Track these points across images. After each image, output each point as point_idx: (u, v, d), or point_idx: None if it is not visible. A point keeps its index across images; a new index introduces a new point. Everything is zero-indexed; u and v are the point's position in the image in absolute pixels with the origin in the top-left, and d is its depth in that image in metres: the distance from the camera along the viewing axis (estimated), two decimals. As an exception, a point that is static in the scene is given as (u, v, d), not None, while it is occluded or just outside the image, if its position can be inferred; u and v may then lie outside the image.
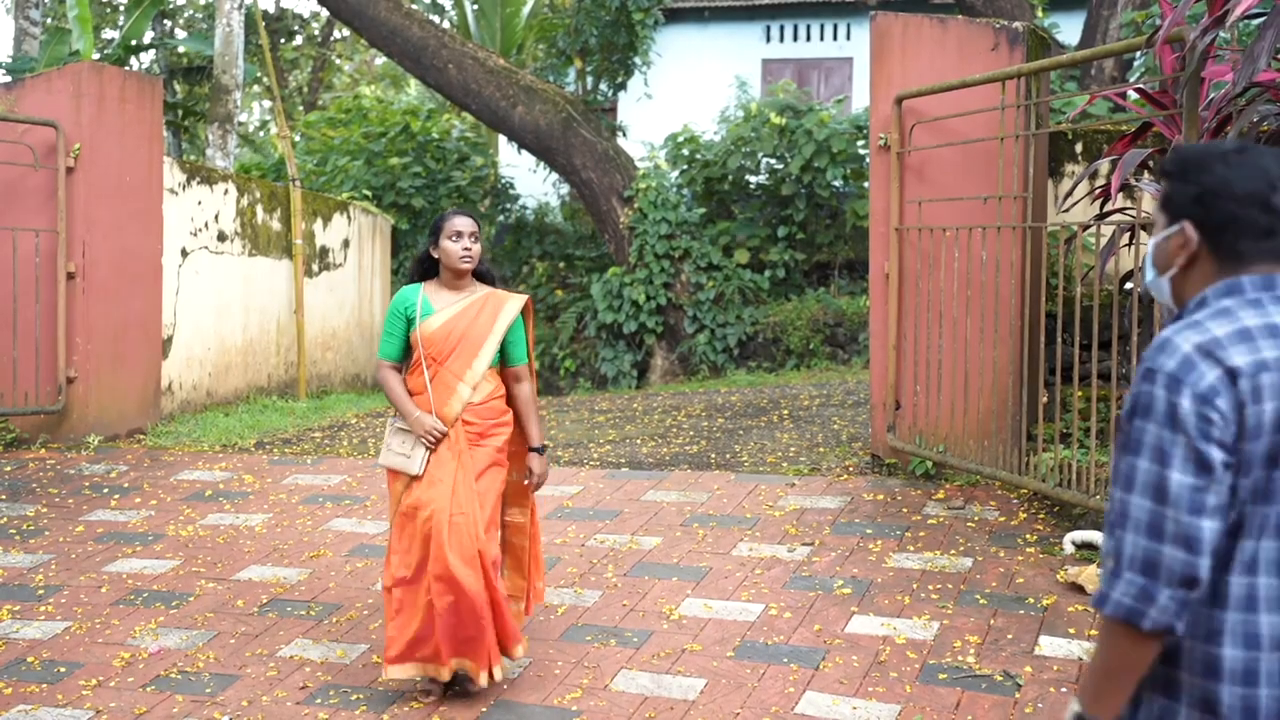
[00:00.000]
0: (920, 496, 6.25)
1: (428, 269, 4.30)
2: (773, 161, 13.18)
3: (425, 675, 4.13)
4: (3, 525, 6.31)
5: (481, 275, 4.31)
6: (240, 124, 17.57)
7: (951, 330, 6.30)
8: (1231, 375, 1.74)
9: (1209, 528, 1.72)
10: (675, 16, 17.49)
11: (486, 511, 4.11)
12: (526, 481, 4.35)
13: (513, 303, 4.25)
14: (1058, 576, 5.10)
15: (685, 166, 13.64)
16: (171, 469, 7.40)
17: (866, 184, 12.14)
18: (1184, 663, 1.80)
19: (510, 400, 4.32)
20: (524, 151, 13.96)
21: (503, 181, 15.96)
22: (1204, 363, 1.75)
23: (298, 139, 17.20)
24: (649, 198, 12.48)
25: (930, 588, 5.03)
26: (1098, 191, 5.78)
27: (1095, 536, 5.36)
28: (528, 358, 4.34)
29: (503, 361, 4.29)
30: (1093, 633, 4.54)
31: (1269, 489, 1.76)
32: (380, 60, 26.62)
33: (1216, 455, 1.72)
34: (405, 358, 4.26)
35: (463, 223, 4.16)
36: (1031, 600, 4.87)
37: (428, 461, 4.08)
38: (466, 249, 4.15)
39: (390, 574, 4.12)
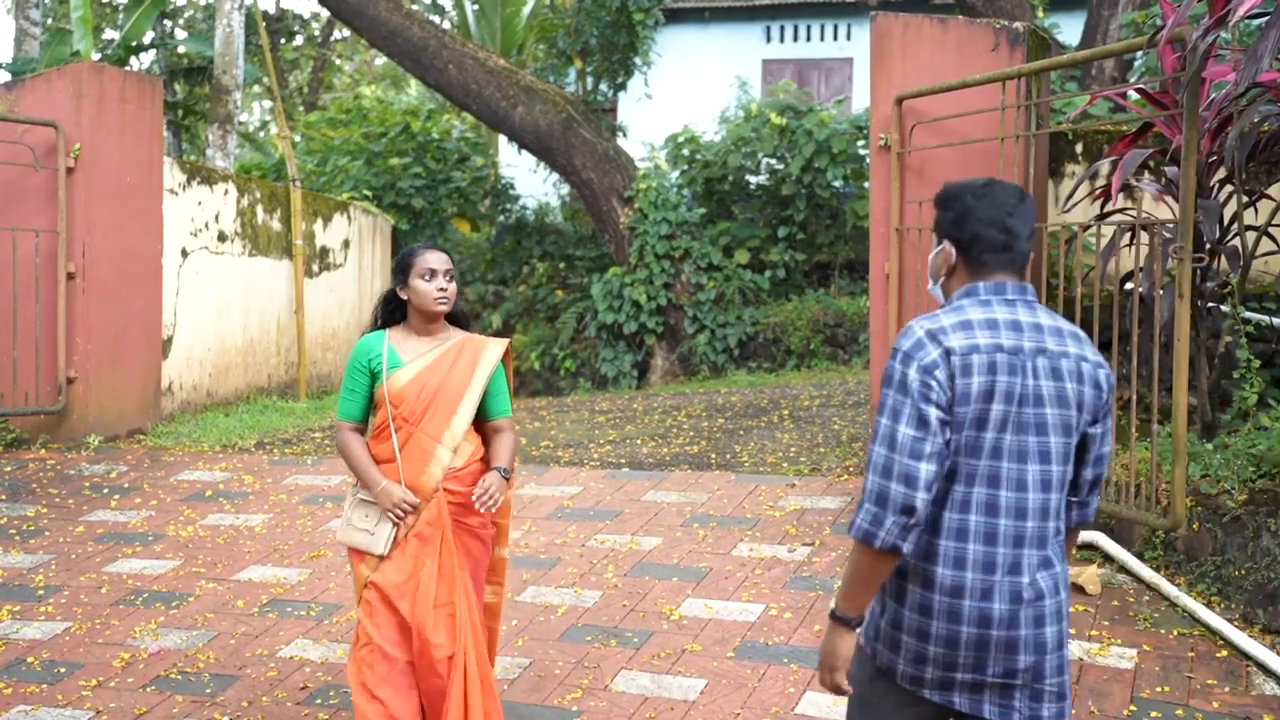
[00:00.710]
0: (920, 497, 6.24)
1: (393, 312, 3.69)
2: (773, 162, 13.17)
3: None
4: (3, 525, 6.31)
5: (454, 318, 3.73)
6: (240, 124, 17.57)
7: (952, 330, 6.29)
8: (948, 354, 2.26)
9: (925, 469, 2.22)
10: (675, 17, 17.48)
11: (478, 604, 3.62)
12: (475, 496, 3.50)
13: (492, 348, 3.67)
14: (1058, 577, 5.10)
15: (685, 167, 13.64)
16: (171, 469, 7.40)
17: (867, 184, 12.15)
18: (911, 578, 2.34)
19: (486, 445, 3.70)
20: (524, 152, 13.96)
21: (503, 182, 15.95)
22: (930, 344, 2.28)
23: (298, 139, 17.19)
24: (649, 198, 12.48)
25: (931, 588, 5.03)
26: (1098, 192, 5.77)
27: (1096, 537, 5.36)
28: (510, 409, 3.75)
29: (479, 415, 3.67)
30: (1093, 633, 4.56)
31: (976, 445, 2.28)
32: (380, 60, 26.62)
33: (934, 414, 2.24)
34: (368, 418, 3.66)
35: (436, 259, 3.56)
36: (1032, 601, 4.86)
37: (395, 540, 3.50)
38: (442, 289, 3.55)
39: (359, 667, 3.49)
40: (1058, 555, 2.35)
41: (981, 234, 2.37)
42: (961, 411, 2.26)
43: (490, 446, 3.68)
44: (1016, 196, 2.39)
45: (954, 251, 2.41)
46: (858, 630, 2.35)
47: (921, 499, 2.22)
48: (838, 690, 2.37)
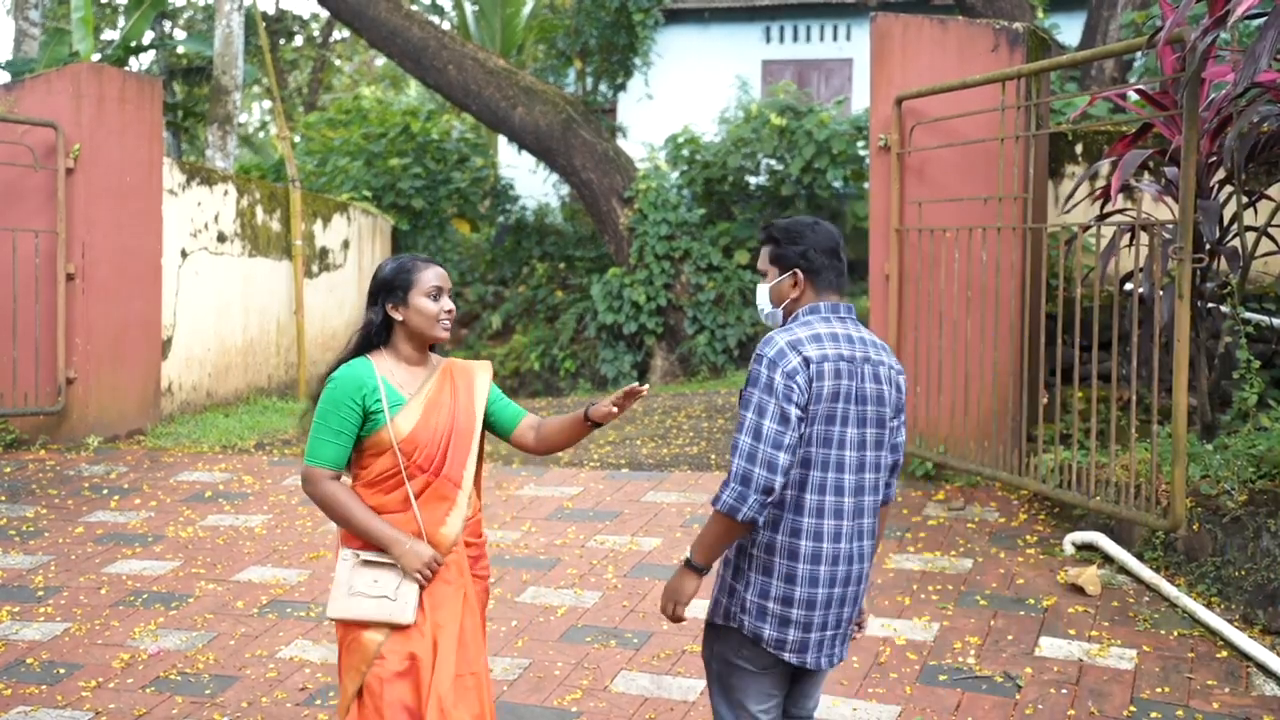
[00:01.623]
0: (921, 497, 6.24)
1: (374, 336, 3.10)
2: (773, 162, 13.16)
3: None
4: (2, 526, 6.30)
5: None
6: (240, 125, 17.56)
7: (952, 331, 6.30)
8: (806, 362, 2.70)
9: (784, 458, 2.66)
10: (675, 17, 17.47)
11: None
12: (615, 403, 3.03)
13: (482, 374, 3.19)
14: (1058, 578, 5.10)
15: (685, 167, 13.63)
16: (171, 470, 7.40)
17: (867, 185, 12.13)
18: (778, 552, 2.76)
19: (547, 433, 3.20)
20: (524, 152, 13.95)
21: (503, 182, 15.94)
22: (791, 353, 2.70)
23: (297, 140, 17.19)
24: (649, 198, 12.48)
25: (930, 589, 5.03)
26: (1098, 192, 5.77)
27: (1096, 538, 5.35)
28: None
29: (500, 429, 3.22)
30: (1093, 633, 4.55)
31: (827, 438, 2.74)
32: (380, 61, 26.61)
33: (793, 412, 2.67)
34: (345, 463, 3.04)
35: (439, 275, 3.06)
36: (1032, 601, 4.86)
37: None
38: (449, 311, 3.06)
39: None
40: (876, 525, 2.88)
41: (826, 263, 2.85)
42: (815, 409, 2.71)
43: (548, 424, 3.20)
44: (838, 231, 2.92)
45: (804, 278, 2.85)
46: (703, 577, 2.79)
47: (779, 482, 2.65)
48: (677, 620, 2.85)
